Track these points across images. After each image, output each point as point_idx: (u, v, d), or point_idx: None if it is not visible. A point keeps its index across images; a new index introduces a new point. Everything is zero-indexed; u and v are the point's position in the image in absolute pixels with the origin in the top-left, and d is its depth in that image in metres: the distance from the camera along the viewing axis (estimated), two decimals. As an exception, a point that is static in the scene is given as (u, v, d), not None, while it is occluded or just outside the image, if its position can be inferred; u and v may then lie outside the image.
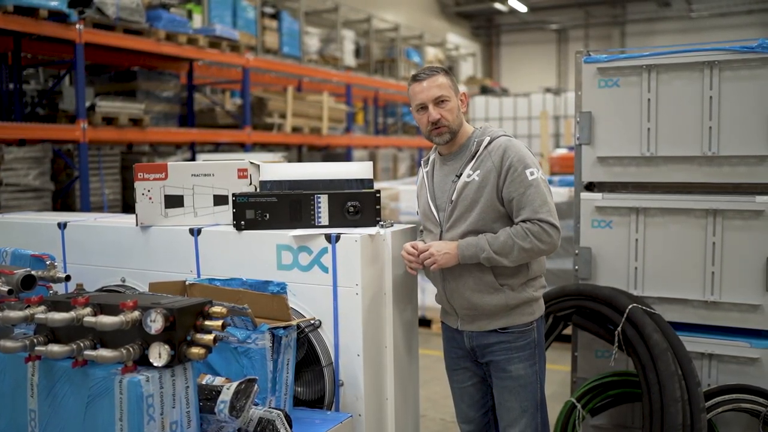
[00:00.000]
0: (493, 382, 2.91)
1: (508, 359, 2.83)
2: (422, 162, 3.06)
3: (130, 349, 2.02)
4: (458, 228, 2.79)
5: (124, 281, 3.24)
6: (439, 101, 2.79)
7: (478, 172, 2.78)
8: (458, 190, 2.80)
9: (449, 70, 2.88)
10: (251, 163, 3.11)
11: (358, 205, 2.93)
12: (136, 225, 3.15)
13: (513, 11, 24.10)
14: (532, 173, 2.72)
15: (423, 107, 2.82)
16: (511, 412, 2.85)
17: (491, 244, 2.69)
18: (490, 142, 2.80)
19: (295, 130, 10.10)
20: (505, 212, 2.77)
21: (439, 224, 2.86)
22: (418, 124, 2.89)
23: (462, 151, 2.87)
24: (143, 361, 2.05)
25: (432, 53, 16.83)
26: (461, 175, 2.81)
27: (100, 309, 2.11)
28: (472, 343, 2.89)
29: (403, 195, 7.84)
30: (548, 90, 17.58)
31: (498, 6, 23.76)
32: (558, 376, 5.54)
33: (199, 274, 3.06)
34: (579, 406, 3.47)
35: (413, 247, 2.79)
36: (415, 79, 2.84)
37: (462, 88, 2.91)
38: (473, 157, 2.81)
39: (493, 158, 2.76)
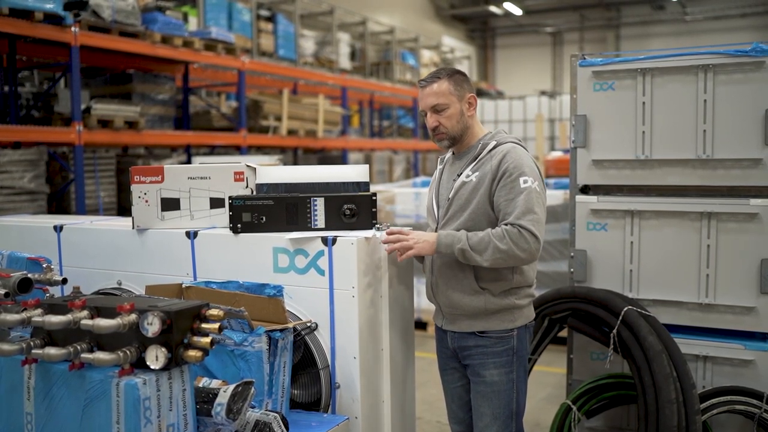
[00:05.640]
0: (471, 386, 2.93)
1: (483, 364, 2.84)
2: (439, 159, 3.10)
3: (127, 351, 2.02)
4: (450, 226, 2.83)
5: (120, 284, 3.24)
6: (435, 109, 2.82)
7: (477, 173, 2.80)
8: (456, 189, 2.84)
9: (457, 71, 2.88)
10: (247, 165, 3.11)
11: (354, 208, 2.93)
12: (133, 228, 3.15)
13: (508, 14, 24.16)
14: (525, 181, 2.71)
15: (424, 113, 2.88)
16: (483, 418, 2.86)
17: (469, 239, 2.69)
18: (495, 147, 2.82)
19: (291, 132, 10.10)
20: (494, 218, 2.78)
21: (437, 220, 2.90)
22: None
23: (468, 152, 2.90)
24: (140, 364, 2.05)
25: (427, 56, 16.83)
26: (461, 174, 2.85)
27: (97, 312, 2.11)
28: (454, 344, 2.92)
29: (399, 198, 7.84)
30: (543, 93, 17.63)
31: (493, 9, 23.82)
32: (554, 378, 5.55)
33: (195, 277, 3.06)
34: (575, 408, 3.48)
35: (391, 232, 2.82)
36: (419, 84, 2.90)
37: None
38: (476, 158, 2.84)
39: (492, 162, 2.77)
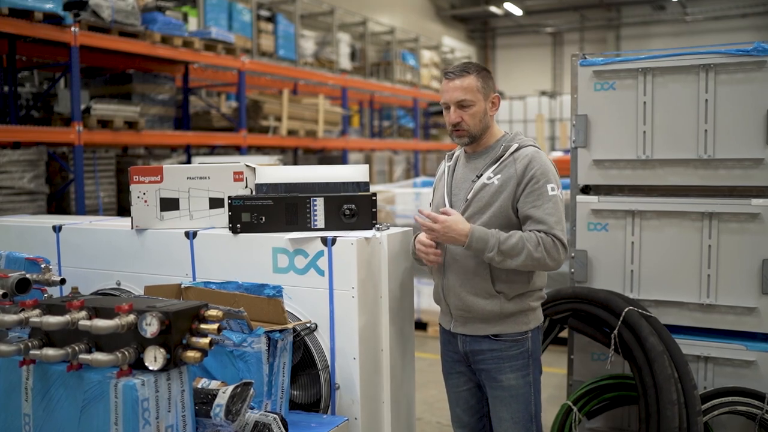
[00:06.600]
0: (486, 391, 2.88)
1: (500, 368, 2.79)
2: (446, 156, 3.02)
3: (126, 352, 2.01)
4: None
5: (119, 284, 3.23)
6: (461, 104, 2.75)
7: (499, 176, 2.73)
8: (475, 190, 2.77)
9: (484, 68, 2.81)
10: (247, 165, 3.10)
11: (354, 208, 2.92)
12: (132, 228, 3.14)
13: (508, 14, 24.16)
14: (552, 189, 2.68)
15: (447, 106, 2.80)
16: (503, 423, 2.82)
17: (501, 244, 2.61)
18: (517, 150, 2.76)
19: (291, 133, 10.10)
20: (516, 221, 2.72)
21: None
22: (445, 120, 2.86)
23: (487, 153, 2.83)
24: (139, 365, 2.04)
25: (427, 56, 16.82)
26: (481, 176, 2.78)
27: (96, 312, 2.10)
28: (465, 347, 2.86)
29: (399, 198, 7.84)
30: (544, 93, 17.64)
31: (493, 9, 23.82)
32: (554, 379, 5.54)
33: (194, 278, 3.05)
34: (575, 409, 3.47)
35: (421, 212, 2.71)
36: (446, 75, 2.80)
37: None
38: (497, 160, 2.77)
39: (517, 166, 2.71)
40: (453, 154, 2.99)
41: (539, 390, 2.88)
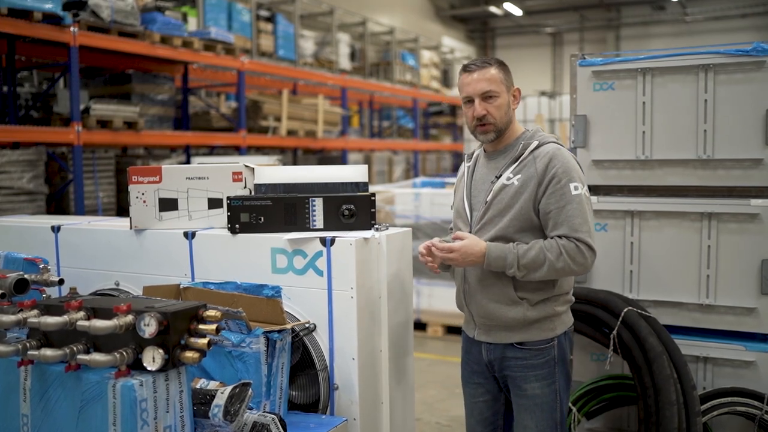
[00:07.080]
0: (511, 398, 2.81)
1: (524, 377, 2.70)
2: (466, 156, 2.92)
3: (124, 353, 2.01)
4: (487, 232, 2.66)
5: (117, 285, 3.23)
6: (486, 96, 2.64)
7: (519, 176, 2.62)
8: (494, 192, 2.66)
9: (503, 62, 2.72)
10: (246, 166, 3.09)
11: (353, 209, 2.92)
12: (130, 228, 3.14)
13: (508, 15, 24.17)
14: (576, 188, 2.56)
15: (469, 101, 2.67)
16: (527, 431, 2.74)
17: (520, 258, 2.54)
18: (537, 147, 2.64)
19: (290, 133, 10.09)
20: (538, 224, 2.62)
21: (470, 224, 2.74)
22: (464, 117, 2.76)
23: (507, 152, 2.72)
24: (137, 366, 2.04)
25: (427, 56, 16.83)
26: (501, 176, 2.67)
27: (94, 313, 2.10)
28: (489, 356, 2.77)
29: (399, 198, 7.84)
30: (543, 93, 17.63)
31: (493, 9, 23.83)
32: (553, 379, 5.54)
33: (193, 278, 3.04)
34: (575, 409, 3.46)
35: (434, 246, 2.64)
36: (465, 69, 2.69)
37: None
38: (517, 159, 2.66)
39: (537, 165, 2.60)
40: (473, 154, 2.89)
41: (566, 397, 2.78)
